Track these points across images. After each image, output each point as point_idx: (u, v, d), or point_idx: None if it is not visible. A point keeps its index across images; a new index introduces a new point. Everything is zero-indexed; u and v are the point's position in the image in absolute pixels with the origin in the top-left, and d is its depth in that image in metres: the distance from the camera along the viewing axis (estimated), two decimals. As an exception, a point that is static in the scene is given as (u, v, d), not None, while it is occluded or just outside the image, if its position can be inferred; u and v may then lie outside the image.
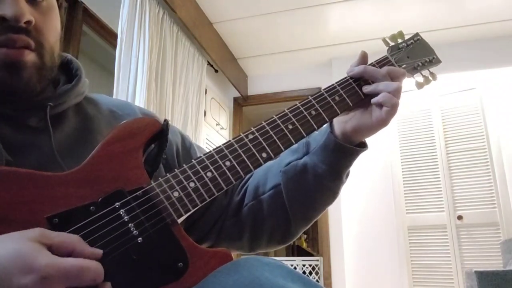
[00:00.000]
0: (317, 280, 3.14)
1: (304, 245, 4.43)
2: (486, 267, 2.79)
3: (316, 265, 3.23)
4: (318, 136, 0.69)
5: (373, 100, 0.66)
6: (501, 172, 3.10)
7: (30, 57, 0.56)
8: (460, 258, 3.07)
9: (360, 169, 0.70)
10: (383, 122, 0.65)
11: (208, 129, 3.25)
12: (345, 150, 0.66)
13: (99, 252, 0.46)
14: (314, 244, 3.57)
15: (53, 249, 0.42)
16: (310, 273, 3.19)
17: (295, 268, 3.13)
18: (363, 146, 0.68)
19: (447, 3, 2.81)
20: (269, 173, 0.72)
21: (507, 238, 2.90)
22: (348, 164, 0.68)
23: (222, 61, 3.24)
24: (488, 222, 3.07)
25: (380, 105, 0.65)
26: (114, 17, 2.17)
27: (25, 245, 0.40)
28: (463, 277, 2.85)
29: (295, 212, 0.69)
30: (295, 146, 0.71)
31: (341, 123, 0.68)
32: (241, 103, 3.81)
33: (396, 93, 0.65)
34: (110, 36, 2.33)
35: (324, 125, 0.68)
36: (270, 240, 0.73)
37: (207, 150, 0.67)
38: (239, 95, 3.68)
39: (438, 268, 3.13)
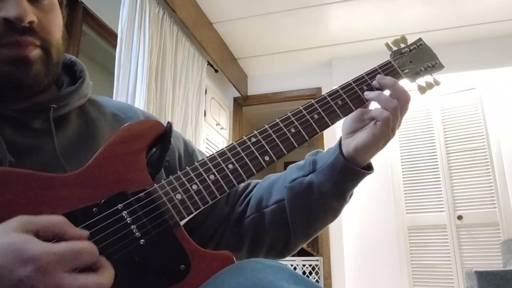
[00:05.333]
0: (317, 280, 3.14)
1: (304, 245, 4.44)
2: (486, 267, 2.79)
3: (316, 265, 3.23)
4: (326, 155, 0.69)
5: (367, 116, 0.67)
6: (501, 172, 3.10)
7: (36, 52, 0.56)
8: (460, 258, 3.07)
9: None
10: (378, 137, 0.65)
11: (208, 129, 3.25)
12: (352, 172, 0.66)
13: (86, 232, 0.46)
14: (314, 244, 3.57)
15: (40, 234, 0.42)
16: (310, 273, 3.19)
17: (295, 268, 3.13)
18: (369, 169, 0.69)
19: (447, 3, 2.81)
20: (273, 187, 0.72)
21: (507, 238, 2.90)
22: (353, 185, 0.68)
23: (222, 61, 3.24)
24: (488, 222, 3.08)
25: (374, 121, 0.66)
26: (114, 17, 2.17)
27: (13, 238, 0.40)
28: (463, 277, 2.85)
29: (297, 228, 0.70)
30: (301, 163, 0.72)
31: (345, 145, 0.68)
32: (241, 103, 3.81)
33: (393, 110, 0.65)
34: (110, 36, 2.33)
35: (333, 146, 0.69)
36: (268, 253, 0.73)
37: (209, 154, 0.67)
38: (239, 95, 3.68)
39: (438, 268, 3.13)
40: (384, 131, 0.64)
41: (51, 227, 0.43)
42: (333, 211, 0.70)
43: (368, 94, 0.69)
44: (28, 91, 0.58)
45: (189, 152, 0.77)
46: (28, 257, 0.39)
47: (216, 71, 3.27)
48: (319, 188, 0.67)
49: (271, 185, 0.73)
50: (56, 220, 0.44)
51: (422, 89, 0.78)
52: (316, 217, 0.70)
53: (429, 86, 0.78)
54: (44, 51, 0.57)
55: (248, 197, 0.75)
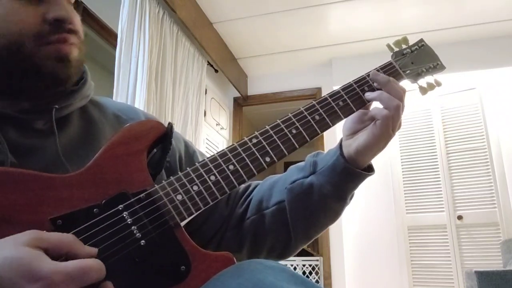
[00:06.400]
0: (316, 281, 3.14)
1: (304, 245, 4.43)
2: (486, 267, 2.79)
3: (316, 265, 3.23)
4: (327, 157, 0.69)
5: (367, 116, 0.67)
6: (501, 172, 3.10)
7: (76, 51, 0.60)
8: (460, 258, 3.07)
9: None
10: (379, 137, 0.64)
11: (208, 129, 3.25)
12: (352, 173, 0.66)
13: (95, 250, 0.46)
14: (314, 244, 3.56)
15: (50, 252, 0.42)
16: (310, 273, 3.19)
17: (295, 268, 3.13)
18: (370, 170, 0.69)
19: (447, 3, 2.81)
20: (274, 188, 0.72)
21: (507, 238, 2.90)
22: (354, 187, 0.68)
23: (222, 61, 3.24)
24: (488, 222, 3.08)
25: (374, 120, 0.66)
26: (114, 17, 2.17)
27: (24, 252, 0.40)
28: (463, 277, 2.86)
29: (297, 229, 0.70)
30: (302, 164, 0.72)
31: (345, 147, 0.68)
32: (241, 103, 3.81)
33: (394, 110, 0.65)
34: (110, 36, 2.33)
35: (333, 148, 0.69)
36: (268, 255, 0.73)
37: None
38: (239, 95, 3.68)
39: (438, 268, 3.13)
40: (384, 130, 0.64)
41: (61, 246, 0.43)
42: (334, 213, 0.70)
43: (369, 95, 0.69)
44: (62, 86, 0.61)
45: (190, 153, 0.77)
46: (38, 275, 0.39)
47: (216, 71, 3.27)
48: (319, 190, 0.67)
49: (271, 186, 0.73)
50: (67, 239, 0.44)
51: (423, 90, 0.77)
52: (316, 218, 0.70)
53: (430, 87, 0.78)
54: (79, 51, 0.61)
55: (249, 199, 0.75)
